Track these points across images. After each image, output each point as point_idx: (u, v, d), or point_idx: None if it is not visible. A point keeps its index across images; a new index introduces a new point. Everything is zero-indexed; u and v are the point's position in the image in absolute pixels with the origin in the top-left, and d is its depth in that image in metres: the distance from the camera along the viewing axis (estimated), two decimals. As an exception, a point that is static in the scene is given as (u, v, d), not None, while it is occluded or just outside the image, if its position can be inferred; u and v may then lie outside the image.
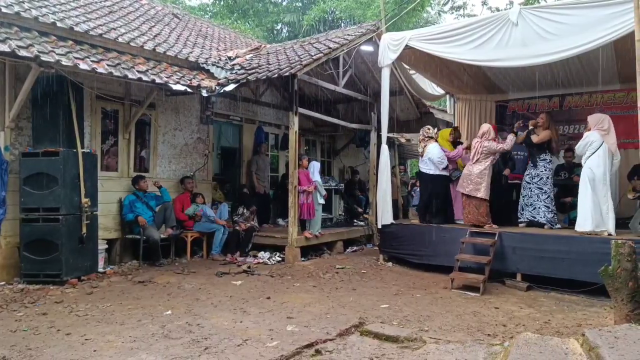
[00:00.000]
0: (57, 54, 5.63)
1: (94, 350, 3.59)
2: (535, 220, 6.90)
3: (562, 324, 4.58)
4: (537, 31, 6.19)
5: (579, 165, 7.84)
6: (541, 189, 6.93)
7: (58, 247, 5.80)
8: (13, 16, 5.93)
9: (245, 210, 8.44)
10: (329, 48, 7.90)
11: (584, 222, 6.00)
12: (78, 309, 4.77)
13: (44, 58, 5.39)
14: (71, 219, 5.95)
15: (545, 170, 6.98)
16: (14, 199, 5.93)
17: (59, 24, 6.37)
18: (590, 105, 8.99)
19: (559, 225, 6.95)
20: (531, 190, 7.00)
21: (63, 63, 5.55)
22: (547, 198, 6.91)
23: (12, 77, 6.01)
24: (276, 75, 7.27)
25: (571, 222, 7.13)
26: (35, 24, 6.13)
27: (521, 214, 7.11)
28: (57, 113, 6.04)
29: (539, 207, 6.92)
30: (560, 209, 7.50)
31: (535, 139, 7.00)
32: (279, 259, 7.60)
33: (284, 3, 24.20)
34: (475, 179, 6.90)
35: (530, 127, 7.11)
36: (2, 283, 5.73)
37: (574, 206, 7.12)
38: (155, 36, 8.56)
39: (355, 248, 9.01)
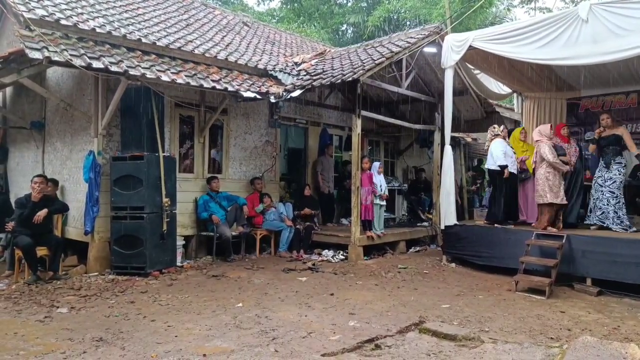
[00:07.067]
0: (142, 68, 6.23)
1: (175, 336, 4.01)
2: (604, 225, 6.65)
3: (633, 330, 4.43)
4: (608, 27, 5.95)
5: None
6: (613, 192, 6.66)
7: (143, 242, 6.38)
8: (105, 35, 6.64)
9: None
10: (391, 52, 7.97)
11: None
12: (160, 298, 5.27)
13: (131, 72, 6.01)
14: (154, 217, 6.52)
15: (619, 174, 6.71)
16: (105, 199, 6.63)
17: (143, 40, 7.03)
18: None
19: (634, 228, 6.61)
20: (602, 194, 6.75)
21: (148, 76, 6.15)
22: (617, 203, 6.63)
23: (104, 89, 6.69)
24: (339, 81, 7.49)
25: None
26: (124, 41, 6.81)
27: (588, 216, 6.88)
28: (142, 120, 6.62)
29: (608, 212, 6.66)
30: (636, 210, 7.13)
31: (627, 137, 6.75)
32: (342, 257, 7.84)
33: (349, 4, 24.37)
34: (536, 184, 6.84)
35: (596, 137, 6.86)
36: (95, 274, 6.43)
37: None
38: (227, 45, 9.11)
39: (418, 248, 9.03)
